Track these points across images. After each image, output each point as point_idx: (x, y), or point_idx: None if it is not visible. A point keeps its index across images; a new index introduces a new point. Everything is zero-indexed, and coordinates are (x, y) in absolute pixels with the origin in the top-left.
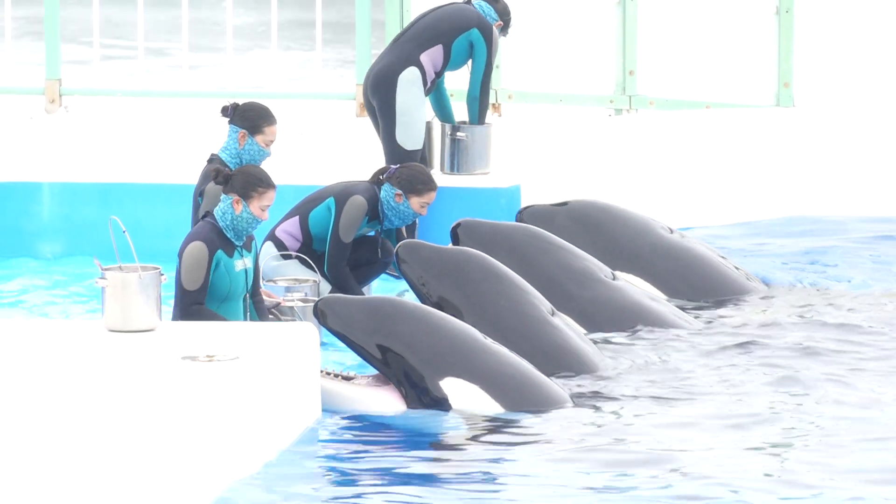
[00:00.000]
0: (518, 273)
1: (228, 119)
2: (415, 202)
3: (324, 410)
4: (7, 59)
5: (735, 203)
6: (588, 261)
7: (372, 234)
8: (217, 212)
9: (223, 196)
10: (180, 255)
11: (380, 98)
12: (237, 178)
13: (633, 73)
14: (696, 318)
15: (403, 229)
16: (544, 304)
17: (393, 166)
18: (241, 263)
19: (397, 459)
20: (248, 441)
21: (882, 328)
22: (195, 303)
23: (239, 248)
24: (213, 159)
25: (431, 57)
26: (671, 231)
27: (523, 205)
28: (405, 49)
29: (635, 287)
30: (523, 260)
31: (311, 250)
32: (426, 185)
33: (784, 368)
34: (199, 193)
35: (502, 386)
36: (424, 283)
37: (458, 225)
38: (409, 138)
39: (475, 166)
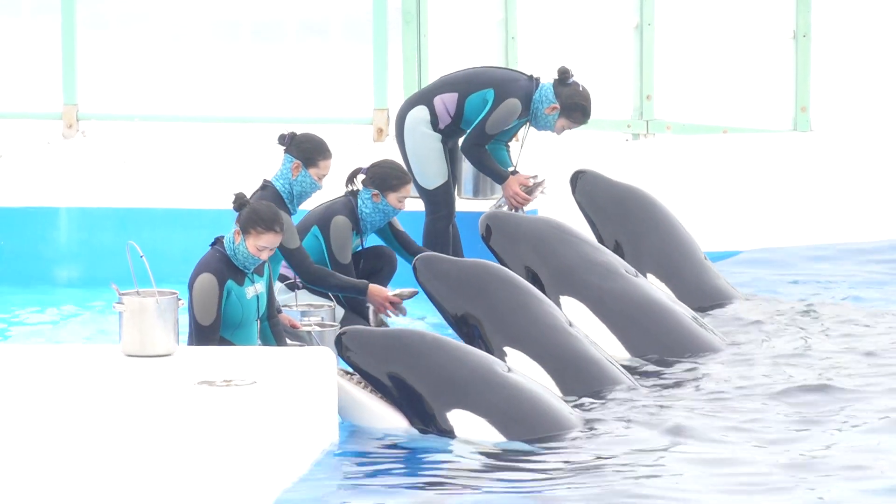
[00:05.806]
0: (540, 262)
1: (284, 148)
2: (392, 198)
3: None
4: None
5: (751, 227)
6: (609, 255)
7: (360, 248)
8: (225, 239)
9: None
10: (190, 287)
11: (398, 143)
12: (245, 211)
13: (651, 97)
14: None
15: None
16: (562, 316)
17: (363, 168)
18: (253, 290)
19: (415, 485)
20: (266, 465)
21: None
22: (209, 340)
23: (250, 275)
24: (266, 186)
25: (444, 100)
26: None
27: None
28: (424, 91)
29: (656, 287)
30: (547, 248)
31: None
32: (400, 179)
33: (813, 390)
34: None
35: (512, 420)
36: (442, 296)
37: (486, 219)
38: (427, 178)
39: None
